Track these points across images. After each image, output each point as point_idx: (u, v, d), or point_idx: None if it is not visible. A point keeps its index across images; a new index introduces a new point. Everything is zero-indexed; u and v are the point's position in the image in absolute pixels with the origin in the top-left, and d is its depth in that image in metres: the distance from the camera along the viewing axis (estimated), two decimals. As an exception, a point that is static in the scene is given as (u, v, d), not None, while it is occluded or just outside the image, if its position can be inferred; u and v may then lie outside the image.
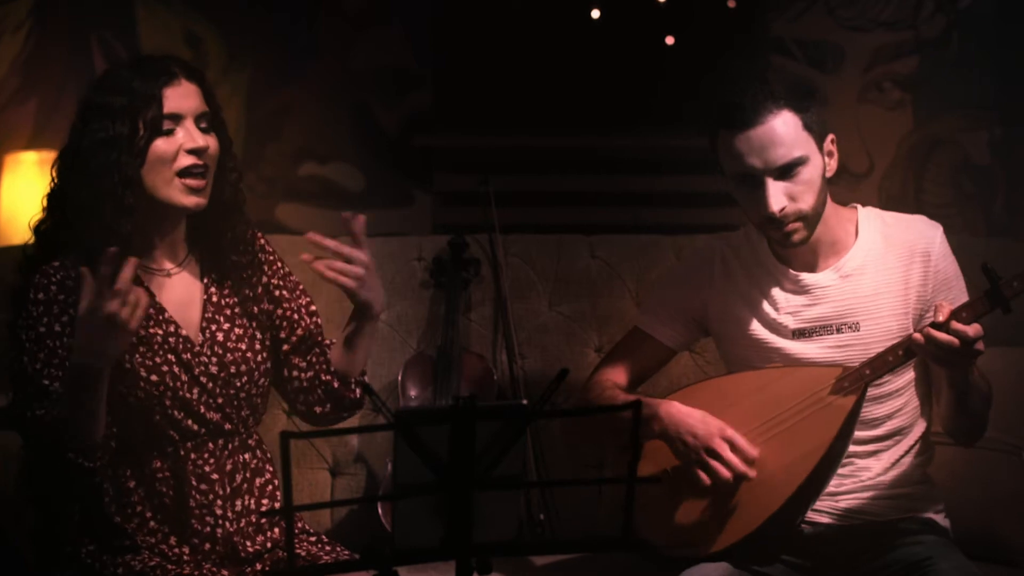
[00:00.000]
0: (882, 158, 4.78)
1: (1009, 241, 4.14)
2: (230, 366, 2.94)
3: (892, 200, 4.67)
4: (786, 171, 2.99)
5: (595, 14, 4.66)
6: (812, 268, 3.13)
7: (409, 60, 4.88)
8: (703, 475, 3.01)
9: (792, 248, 3.08)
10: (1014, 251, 3.67)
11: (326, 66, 4.85)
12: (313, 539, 3.03)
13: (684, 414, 3.04)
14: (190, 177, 2.87)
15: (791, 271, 3.13)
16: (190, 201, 2.87)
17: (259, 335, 3.00)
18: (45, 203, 2.93)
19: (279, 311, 3.05)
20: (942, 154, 4.77)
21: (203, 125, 2.90)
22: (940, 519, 3.16)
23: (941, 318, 2.85)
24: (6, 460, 3.10)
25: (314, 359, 3.04)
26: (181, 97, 2.87)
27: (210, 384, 2.92)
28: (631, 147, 4.84)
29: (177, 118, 2.86)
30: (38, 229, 2.93)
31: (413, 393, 3.55)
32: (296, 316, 3.05)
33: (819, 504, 3.08)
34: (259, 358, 2.98)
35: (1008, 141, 4.74)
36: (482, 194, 3.75)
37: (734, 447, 3.00)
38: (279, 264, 3.08)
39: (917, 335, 2.90)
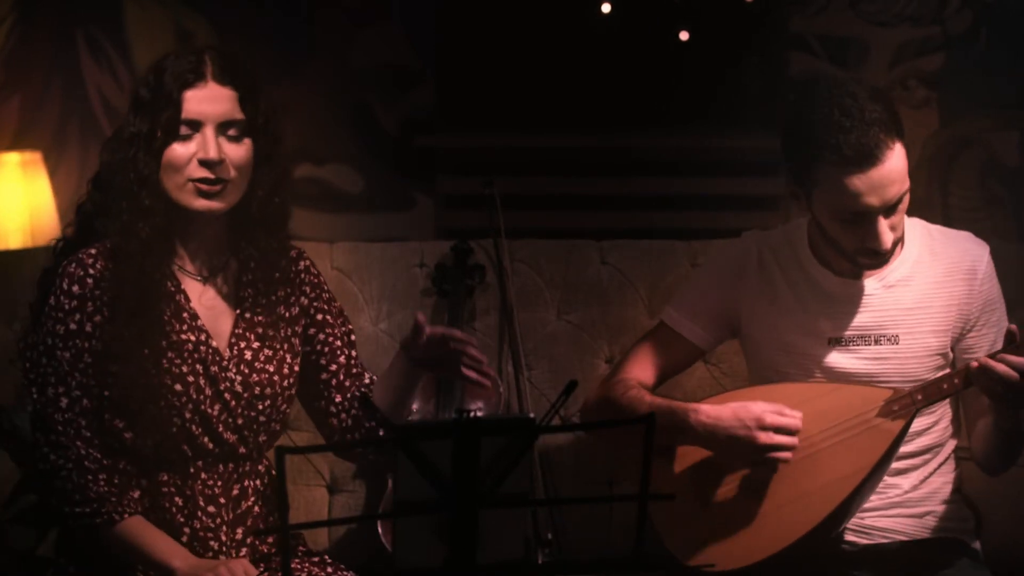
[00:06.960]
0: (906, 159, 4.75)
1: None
2: (255, 387, 2.87)
3: (917, 204, 4.58)
4: (896, 206, 2.93)
5: (605, 8, 4.68)
6: (856, 275, 3.06)
7: (410, 57, 4.89)
8: (763, 473, 2.95)
9: (870, 268, 3.03)
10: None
11: (324, 63, 4.86)
12: (316, 559, 2.98)
13: (714, 419, 2.96)
14: (202, 184, 2.79)
15: (833, 276, 3.07)
16: (201, 205, 2.80)
17: (288, 359, 2.92)
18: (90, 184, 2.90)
19: (320, 336, 2.98)
20: (969, 155, 4.76)
21: (231, 133, 2.80)
22: (970, 541, 3.12)
23: (998, 347, 2.86)
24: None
25: (355, 402, 2.98)
26: (204, 101, 2.78)
27: (233, 402, 2.85)
28: (643, 148, 4.85)
29: (196, 124, 2.78)
30: (80, 208, 2.89)
31: (415, 407, 3.48)
32: (339, 344, 2.99)
33: (843, 522, 3.05)
34: (285, 383, 2.91)
35: (1039, 142, 4.77)
36: (487, 197, 3.71)
37: (777, 429, 2.92)
38: (323, 287, 3.01)
39: (975, 363, 2.85)
